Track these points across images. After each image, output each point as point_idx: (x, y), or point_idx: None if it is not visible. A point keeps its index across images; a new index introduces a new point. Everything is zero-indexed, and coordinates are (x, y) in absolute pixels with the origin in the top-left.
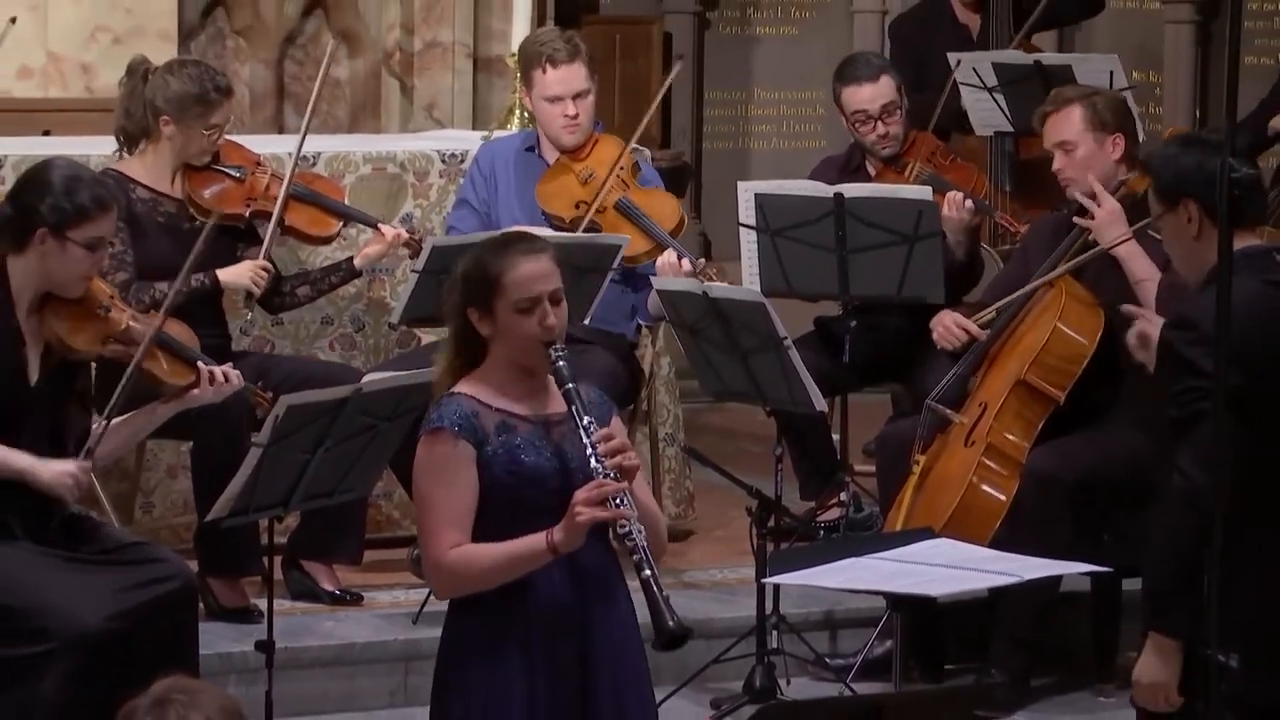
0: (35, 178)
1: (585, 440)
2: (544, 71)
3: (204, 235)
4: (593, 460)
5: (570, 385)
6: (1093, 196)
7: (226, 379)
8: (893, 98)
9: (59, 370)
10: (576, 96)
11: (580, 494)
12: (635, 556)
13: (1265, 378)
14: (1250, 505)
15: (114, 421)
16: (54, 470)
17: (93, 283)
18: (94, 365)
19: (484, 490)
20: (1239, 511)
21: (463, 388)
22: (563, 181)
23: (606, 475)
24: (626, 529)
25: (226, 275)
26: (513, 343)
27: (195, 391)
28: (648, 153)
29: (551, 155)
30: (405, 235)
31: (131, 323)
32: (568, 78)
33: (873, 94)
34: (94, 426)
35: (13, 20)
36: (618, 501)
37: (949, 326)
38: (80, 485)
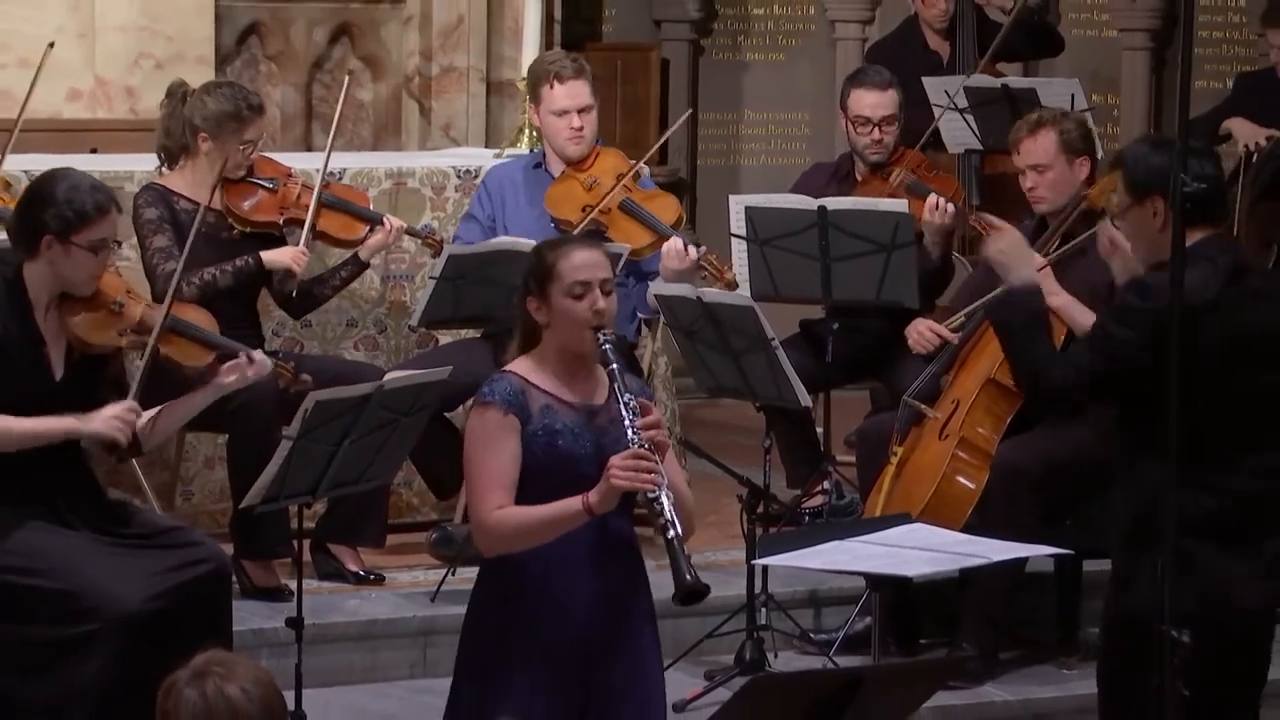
0: (39, 190)
1: (625, 413)
2: (551, 87)
3: (198, 219)
4: (630, 431)
5: (614, 365)
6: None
7: (258, 362)
8: (893, 111)
9: (82, 365)
10: (581, 110)
11: (616, 459)
12: (661, 520)
13: (1212, 360)
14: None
15: (150, 412)
16: (100, 418)
17: (104, 280)
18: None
19: (523, 464)
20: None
21: (515, 367)
22: (569, 189)
23: (642, 446)
24: (655, 495)
25: (270, 255)
26: (564, 327)
27: (230, 379)
28: (647, 170)
29: (557, 169)
30: (404, 225)
31: (146, 312)
32: (573, 93)
33: (877, 101)
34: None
35: (51, 45)
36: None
37: (922, 332)
38: (129, 424)
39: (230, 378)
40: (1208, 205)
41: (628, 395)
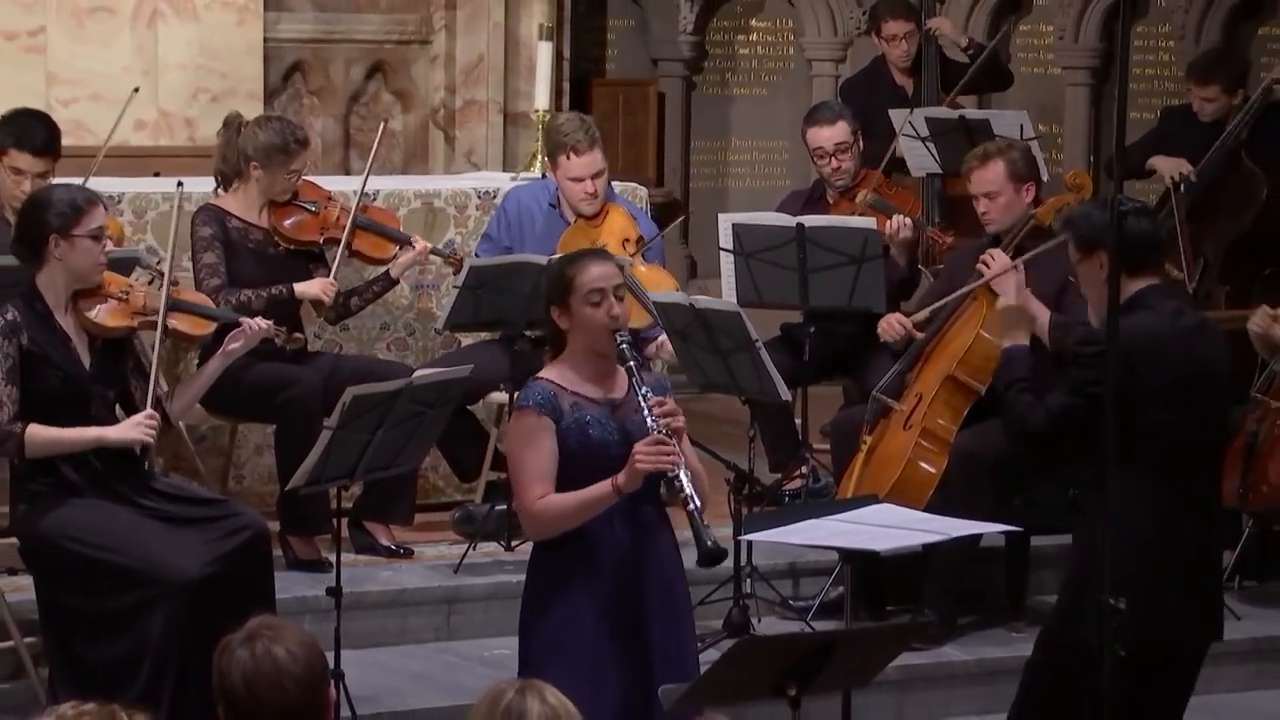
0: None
1: (643, 403)
2: (568, 158)
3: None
4: (649, 420)
5: (631, 363)
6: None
7: (257, 326)
8: (845, 139)
9: (105, 352)
10: (595, 176)
11: (639, 445)
12: (682, 495)
13: (1174, 389)
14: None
15: (179, 385)
16: (122, 426)
17: (108, 276)
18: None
19: (560, 456)
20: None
21: (546, 373)
22: (579, 246)
23: (660, 431)
24: (675, 474)
25: (301, 287)
26: (585, 330)
27: (235, 345)
28: (644, 191)
29: (571, 215)
30: (430, 245)
31: (150, 297)
32: (589, 163)
33: (829, 134)
34: (151, 387)
35: (135, 90)
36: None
37: (891, 324)
38: (149, 430)
39: (235, 344)
40: (1145, 256)
41: (644, 388)
